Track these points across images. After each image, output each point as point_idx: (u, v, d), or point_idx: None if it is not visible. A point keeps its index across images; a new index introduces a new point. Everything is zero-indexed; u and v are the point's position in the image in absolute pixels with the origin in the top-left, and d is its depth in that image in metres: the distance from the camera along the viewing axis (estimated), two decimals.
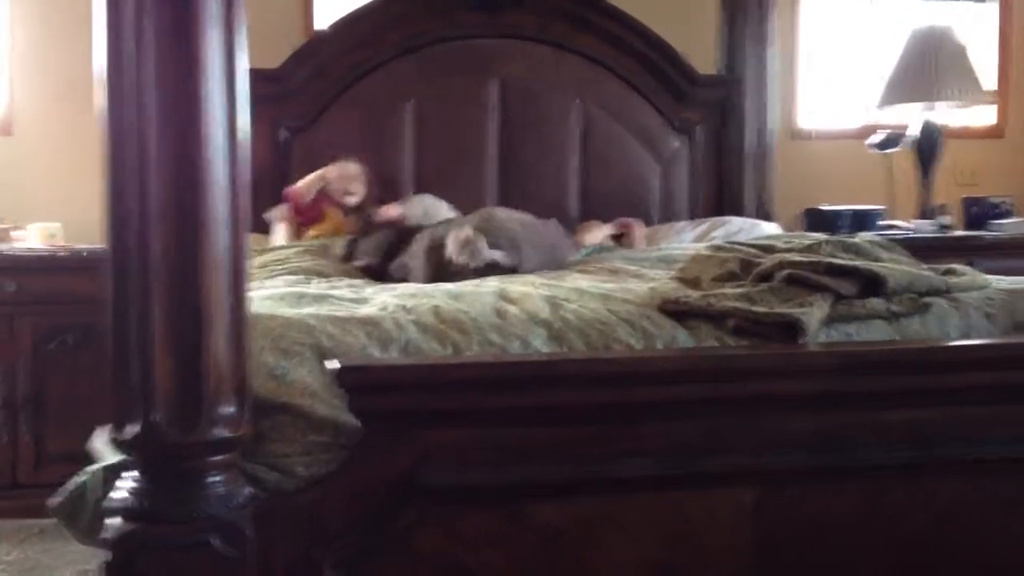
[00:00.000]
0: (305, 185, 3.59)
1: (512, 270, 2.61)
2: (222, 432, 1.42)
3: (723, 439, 1.67)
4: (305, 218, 3.57)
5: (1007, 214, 4.36)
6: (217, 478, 1.44)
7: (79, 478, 1.67)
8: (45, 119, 4.08)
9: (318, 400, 1.59)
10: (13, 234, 3.70)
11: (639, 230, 3.74)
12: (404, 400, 1.57)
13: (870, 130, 4.52)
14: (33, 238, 3.69)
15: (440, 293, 2.04)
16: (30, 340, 3.45)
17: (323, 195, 3.64)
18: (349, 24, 3.99)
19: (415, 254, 2.76)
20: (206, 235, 1.39)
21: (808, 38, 4.75)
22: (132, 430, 1.40)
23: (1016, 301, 1.98)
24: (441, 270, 2.61)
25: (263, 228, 3.67)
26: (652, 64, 4.17)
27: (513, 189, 4.05)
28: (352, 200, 3.65)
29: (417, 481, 1.56)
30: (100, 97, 1.41)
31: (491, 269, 2.58)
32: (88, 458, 1.75)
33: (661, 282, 2.15)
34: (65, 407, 3.43)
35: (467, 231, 2.66)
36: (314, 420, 1.58)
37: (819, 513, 1.71)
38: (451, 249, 2.63)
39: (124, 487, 1.45)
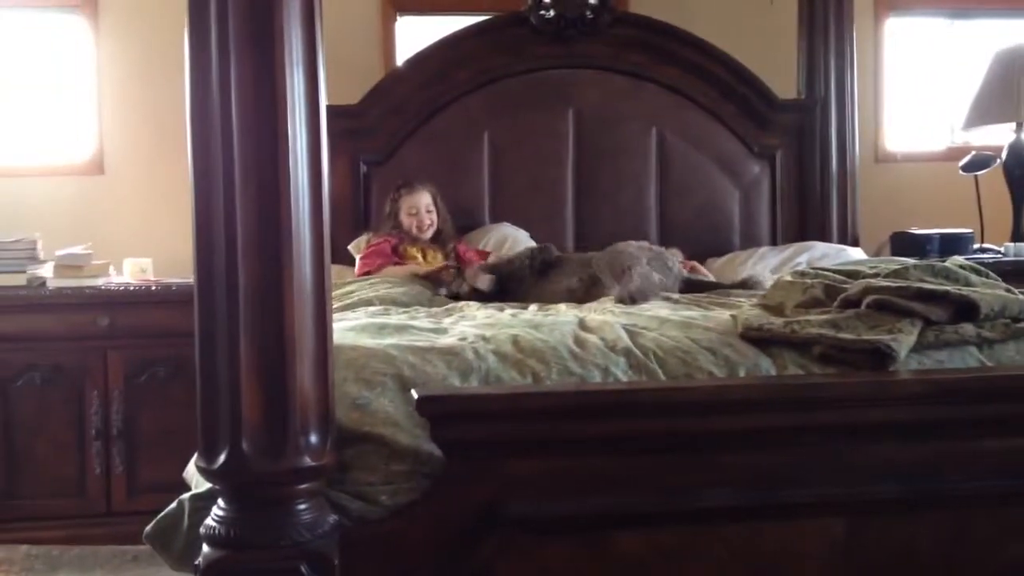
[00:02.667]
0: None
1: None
2: (308, 461, 1.44)
3: (809, 469, 1.63)
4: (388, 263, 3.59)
5: None
6: (303, 506, 1.46)
7: (171, 506, 1.71)
8: (135, 157, 4.20)
9: (400, 430, 1.60)
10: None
11: (701, 267, 3.70)
12: (485, 430, 1.57)
13: (959, 152, 4.42)
14: (125, 273, 3.79)
15: (519, 323, 2.04)
16: (122, 373, 3.54)
17: (395, 238, 3.66)
18: (421, 61, 4.05)
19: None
20: (291, 269, 1.42)
21: (893, 59, 4.68)
22: (220, 459, 1.43)
23: None
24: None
25: (344, 260, 3.72)
26: (731, 90, 4.14)
27: (590, 218, 4.05)
28: (429, 233, 3.69)
29: (499, 511, 1.56)
30: (187, 135, 1.45)
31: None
32: (185, 486, 1.79)
33: (743, 309, 2.12)
34: (156, 438, 3.51)
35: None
36: (396, 449, 1.59)
37: (910, 544, 1.66)
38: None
39: (214, 515, 1.48)
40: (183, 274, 3.72)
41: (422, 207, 3.70)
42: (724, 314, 2.16)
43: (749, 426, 1.62)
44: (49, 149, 4.20)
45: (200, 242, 1.45)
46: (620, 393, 1.66)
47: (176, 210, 3.98)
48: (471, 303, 2.80)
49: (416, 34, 4.38)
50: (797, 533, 1.64)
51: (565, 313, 2.33)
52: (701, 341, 1.84)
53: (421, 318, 2.38)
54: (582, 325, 2.00)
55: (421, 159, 3.92)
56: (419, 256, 3.63)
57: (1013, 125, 4.17)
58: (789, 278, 2.17)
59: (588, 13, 4.02)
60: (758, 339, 1.84)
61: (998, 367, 1.81)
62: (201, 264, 1.45)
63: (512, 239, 3.81)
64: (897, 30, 4.70)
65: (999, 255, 4.04)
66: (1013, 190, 4.19)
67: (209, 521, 1.48)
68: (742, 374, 1.77)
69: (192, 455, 1.60)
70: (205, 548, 1.47)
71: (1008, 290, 1.99)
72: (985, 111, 4.20)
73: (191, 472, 1.77)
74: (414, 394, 1.57)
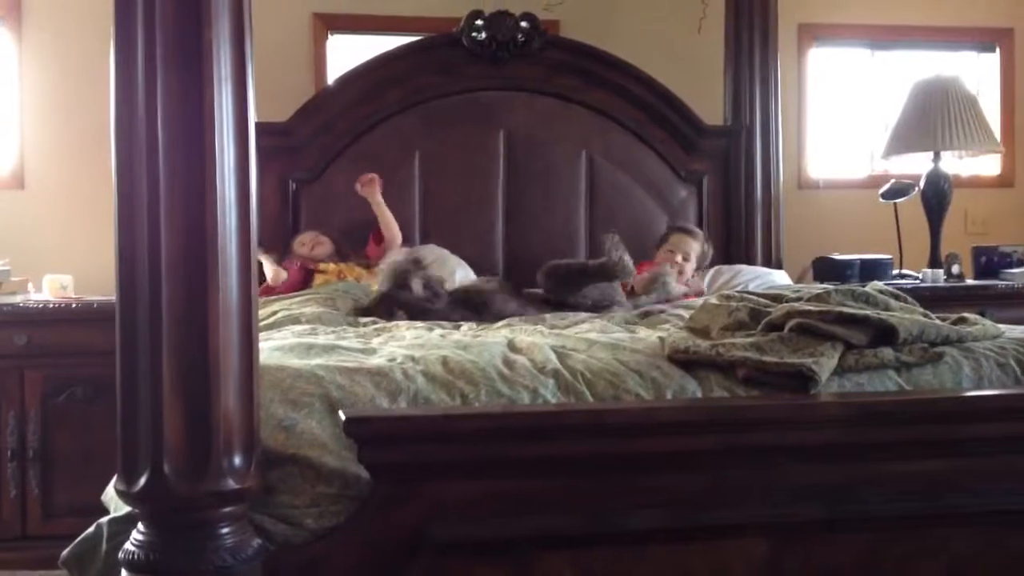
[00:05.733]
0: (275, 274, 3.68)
1: None
2: (231, 484, 1.41)
3: (733, 490, 1.65)
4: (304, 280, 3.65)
5: (1019, 263, 4.33)
6: (226, 530, 1.43)
7: (89, 530, 1.67)
8: (56, 172, 4.11)
9: (327, 452, 1.58)
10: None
11: None
12: (413, 451, 1.56)
13: (879, 179, 4.53)
14: (44, 290, 3.71)
15: (448, 344, 2.04)
16: (40, 392, 3.46)
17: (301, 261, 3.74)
18: (353, 80, 4.04)
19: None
20: (216, 287, 1.40)
21: (816, 88, 4.79)
22: (140, 482, 1.39)
23: None
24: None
25: None
26: (659, 115, 4.20)
27: (520, 239, 4.07)
28: (319, 251, 3.76)
29: (426, 533, 1.55)
30: (112, 150, 1.42)
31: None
32: (104, 510, 1.75)
33: (671, 332, 2.14)
34: (74, 460, 3.43)
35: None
36: (323, 472, 1.57)
37: (831, 565, 1.69)
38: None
39: (133, 539, 1.44)
40: (105, 291, 3.65)
41: (309, 238, 3.81)
42: (651, 336, 2.18)
43: (675, 448, 1.63)
44: None
45: (122, 259, 1.42)
46: (548, 415, 1.66)
47: (98, 226, 3.91)
48: (400, 323, 2.79)
49: (348, 53, 4.38)
50: (722, 554, 1.65)
51: (495, 334, 2.33)
52: (629, 363, 1.85)
53: (350, 338, 2.36)
54: (511, 346, 2.00)
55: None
56: (331, 266, 3.66)
57: (931, 154, 4.29)
58: (715, 301, 2.20)
59: (520, 36, 4.06)
60: (685, 361, 1.86)
61: (915, 390, 1.85)
62: (123, 281, 1.42)
63: (439, 259, 3.81)
64: (820, 60, 4.82)
65: (917, 281, 4.14)
66: (930, 217, 4.31)
67: (128, 545, 1.44)
68: (669, 396, 1.78)
69: (111, 478, 1.56)
70: (124, 573, 1.43)
71: (925, 315, 2.04)
72: (904, 140, 4.32)
73: (110, 495, 1.73)
74: (342, 415, 1.55)
